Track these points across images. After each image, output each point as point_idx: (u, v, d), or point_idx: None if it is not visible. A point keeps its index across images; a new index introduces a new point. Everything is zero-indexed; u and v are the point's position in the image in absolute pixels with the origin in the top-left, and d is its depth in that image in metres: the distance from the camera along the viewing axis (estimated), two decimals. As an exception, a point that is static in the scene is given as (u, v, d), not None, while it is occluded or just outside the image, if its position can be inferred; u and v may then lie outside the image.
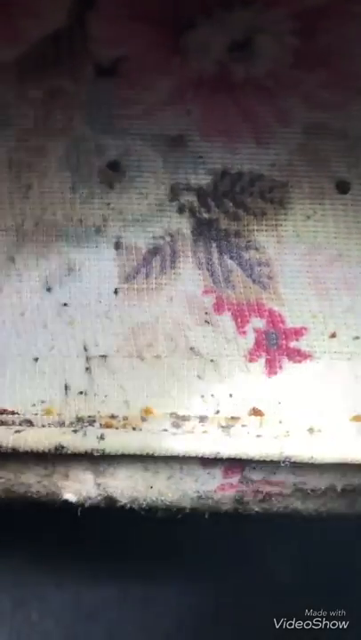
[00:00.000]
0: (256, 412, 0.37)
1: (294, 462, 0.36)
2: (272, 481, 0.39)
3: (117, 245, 0.37)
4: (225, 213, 0.38)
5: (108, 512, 0.39)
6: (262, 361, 0.37)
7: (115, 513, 0.39)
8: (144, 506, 0.40)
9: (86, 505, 0.39)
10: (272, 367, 0.37)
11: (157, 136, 0.38)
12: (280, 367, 0.37)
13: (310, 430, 0.37)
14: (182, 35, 0.41)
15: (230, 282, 0.37)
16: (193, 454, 0.36)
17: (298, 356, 0.37)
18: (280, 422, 0.37)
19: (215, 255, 0.38)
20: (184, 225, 0.38)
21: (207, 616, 0.42)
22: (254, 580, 0.41)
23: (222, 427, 0.37)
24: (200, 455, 0.36)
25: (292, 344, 0.37)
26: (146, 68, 0.40)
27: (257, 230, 0.38)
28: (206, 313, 0.37)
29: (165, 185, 0.38)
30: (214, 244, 0.38)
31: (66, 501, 0.39)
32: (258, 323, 0.37)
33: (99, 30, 0.41)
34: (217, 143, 0.38)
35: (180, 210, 0.38)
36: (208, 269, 0.37)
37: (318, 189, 0.38)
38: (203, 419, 0.37)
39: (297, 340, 0.37)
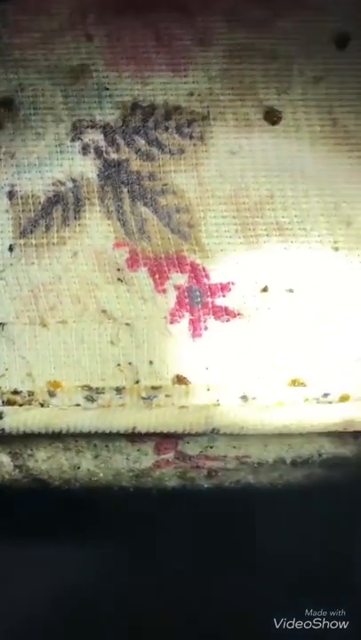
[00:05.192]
0: (181, 380, 0.34)
1: (224, 434, 0.33)
2: (211, 456, 0.35)
3: (11, 195, 0.34)
4: (136, 153, 0.34)
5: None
6: (185, 322, 0.34)
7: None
8: (78, 486, 0.37)
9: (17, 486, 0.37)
10: (196, 328, 0.34)
11: (56, 67, 0.35)
12: (205, 328, 0.34)
13: (243, 398, 0.34)
14: None
15: (145, 232, 0.34)
16: (107, 431, 0.33)
17: (225, 314, 0.34)
18: (208, 390, 0.34)
19: (127, 202, 0.34)
20: (89, 168, 0.34)
21: (207, 616, 0.42)
22: (254, 580, 0.41)
23: (143, 398, 0.34)
24: (115, 431, 0.33)
25: (219, 301, 0.34)
26: (43, -11, 0.36)
27: (174, 171, 0.34)
28: (119, 270, 0.34)
29: (66, 122, 0.34)
30: (125, 190, 0.34)
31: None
32: (179, 279, 0.34)
33: None
34: (125, 72, 0.35)
35: (84, 150, 0.34)
36: (119, 219, 0.34)
37: (244, 121, 0.34)
38: (120, 390, 0.34)
39: (224, 296, 0.34)
